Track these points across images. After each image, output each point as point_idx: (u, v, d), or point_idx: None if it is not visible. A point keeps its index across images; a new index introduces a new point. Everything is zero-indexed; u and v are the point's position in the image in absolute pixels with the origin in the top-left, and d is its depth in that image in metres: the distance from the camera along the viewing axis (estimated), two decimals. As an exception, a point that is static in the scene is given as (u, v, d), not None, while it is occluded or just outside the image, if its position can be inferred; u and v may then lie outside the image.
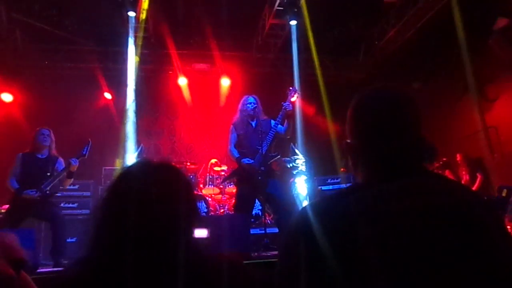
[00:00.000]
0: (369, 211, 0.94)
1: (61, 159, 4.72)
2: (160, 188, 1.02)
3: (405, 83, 7.96)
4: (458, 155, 6.81)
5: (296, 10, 6.97)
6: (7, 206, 4.52)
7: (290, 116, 4.42)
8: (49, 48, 8.22)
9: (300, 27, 7.38)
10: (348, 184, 6.78)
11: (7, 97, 7.61)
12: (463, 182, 6.42)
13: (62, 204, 6.08)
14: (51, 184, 4.47)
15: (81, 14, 7.60)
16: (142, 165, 1.10)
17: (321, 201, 1.06)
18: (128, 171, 1.08)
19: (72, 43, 8.09)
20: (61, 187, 4.80)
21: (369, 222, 0.92)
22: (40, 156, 4.62)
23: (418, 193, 0.96)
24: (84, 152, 4.59)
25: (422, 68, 8.01)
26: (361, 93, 1.14)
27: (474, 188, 6.26)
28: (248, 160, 4.36)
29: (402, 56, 8.12)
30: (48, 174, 4.50)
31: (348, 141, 1.13)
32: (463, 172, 6.70)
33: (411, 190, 0.97)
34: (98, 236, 0.98)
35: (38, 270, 3.66)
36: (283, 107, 4.38)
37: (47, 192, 4.44)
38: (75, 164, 4.47)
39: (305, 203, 6.72)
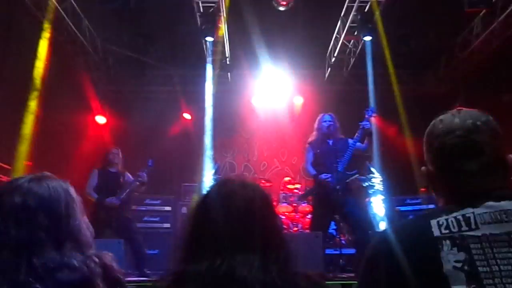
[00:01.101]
0: (454, 235, 0.92)
1: (128, 173, 5.33)
2: (243, 206, 1.07)
3: (493, 95, 7.39)
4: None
5: (370, 26, 6.86)
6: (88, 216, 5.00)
7: (369, 135, 4.35)
8: (136, 74, 8.95)
9: (375, 41, 7.23)
10: (429, 206, 6.42)
11: (101, 120, 8.40)
12: None
13: (145, 218, 6.51)
14: (125, 193, 5.07)
15: (164, 41, 8.20)
16: (224, 184, 1.15)
17: (402, 224, 1.05)
18: (212, 190, 1.15)
19: (156, 68, 8.74)
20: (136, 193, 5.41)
21: (454, 246, 0.90)
22: (112, 170, 5.23)
23: (506, 218, 0.92)
24: (149, 165, 5.23)
25: (513, 79, 7.37)
26: (433, 120, 1.14)
27: None
28: (326, 175, 4.32)
29: (489, 67, 7.55)
30: (121, 184, 5.11)
31: (425, 167, 1.13)
32: None
33: (497, 215, 0.92)
34: (187, 250, 1.06)
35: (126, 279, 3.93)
36: (360, 126, 4.31)
37: (124, 198, 5.02)
38: (143, 177, 5.12)
39: (382, 224, 6.45)
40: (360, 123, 4.36)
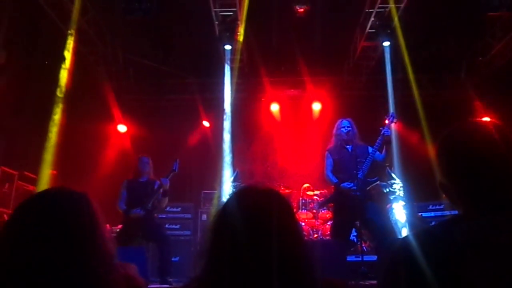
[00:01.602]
0: (478, 243, 0.91)
1: (158, 182, 5.18)
2: (262, 214, 1.07)
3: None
4: None
5: (389, 31, 6.81)
6: (120, 226, 5.09)
7: (388, 142, 4.29)
8: (156, 83, 9.12)
9: (394, 46, 7.17)
10: (452, 211, 6.28)
11: (122, 128, 8.56)
12: None
13: (166, 225, 6.58)
14: (151, 201, 4.96)
15: (183, 50, 8.33)
16: (243, 192, 1.16)
17: (424, 231, 1.04)
18: (231, 199, 1.15)
19: (175, 77, 8.87)
20: (158, 207, 5.17)
21: (478, 254, 0.89)
22: (141, 180, 5.17)
23: None
24: (174, 168, 5.03)
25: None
26: (443, 134, 1.12)
27: None
28: (348, 184, 4.29)
29: (511, 71, 7.40)
30: (149, 194, 4.99)
31: (441, 180, 1.11)
32: None
33: None
34: (208, 259, 1.07)
35: (148, 286, 3.97)
36: (381, 133, 4.26)
37: (149, 207, 4.92)
38: (166, 183, 4.94)
39: (404, 230, 6.35)
40: (381, 128, 4.31)
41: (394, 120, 4.48)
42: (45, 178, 5.86)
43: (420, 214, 6.73)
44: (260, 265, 0.99)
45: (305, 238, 6.22)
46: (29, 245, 1.08)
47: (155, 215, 5.17)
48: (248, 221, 1.05)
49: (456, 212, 1.10)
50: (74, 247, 1.11)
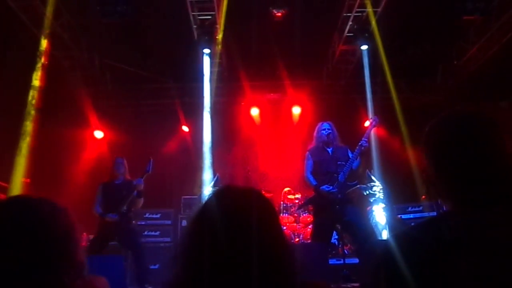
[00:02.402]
0: (465, 239, 0.89)
1: (133, 182, 5.05)
2: (242, 215, 1.03)
3: (490, 102, 7.42)
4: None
5: (367, 35, 6.91)
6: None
7: (363, 155, 4.33)
8: (134, 88, 8.98)
9: (372, 50, 7.27)
10: (431, 213, 6.37)
11: (99, 134, 8.38)
12: None
13: (145, 232, 6.45)
14: (125, 204, 4.83)
15: (161, 55, 8.23)
16: (223, 193, 1.12)
17: (408, 231, 1.01)
18: (211, 199, 1.10)
19: (154, 82, 8.75)
20: (133, 209, 5.04)
21: (465, 250, 0.87)
22: (116, 182, 5.05)
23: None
24: (147, 169, 4.93)
25: (510, 85, 7.41)
26: (431, 122, 1.09)
27: None
28: (328, 187, 4.27)
29: (486, 74, 7.60)
30: (124, 197, 4.87)
31: (426, 171, 1.09)
32: None
33: (506, 218, 0.89)
34: (186, 263, 1.02)
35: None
36: (359, 144, 4.27)
37: (124, 210, 4.80)
38: (139, 183, 4.84)
39: (384, 232, 6.39)
40: (362, 139, 4.31)
41: (376, 124, 4.50)
42: (17, 186, 5.67)
43: (399, 216, 6.80)
44: (240, 266, 0.96)
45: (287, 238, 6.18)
46: None
47: (133, 221, 5.04)
48: (228, 221, 1.01)
49: (435, 213, 1.07)
50: (40, 255, 1.06)
